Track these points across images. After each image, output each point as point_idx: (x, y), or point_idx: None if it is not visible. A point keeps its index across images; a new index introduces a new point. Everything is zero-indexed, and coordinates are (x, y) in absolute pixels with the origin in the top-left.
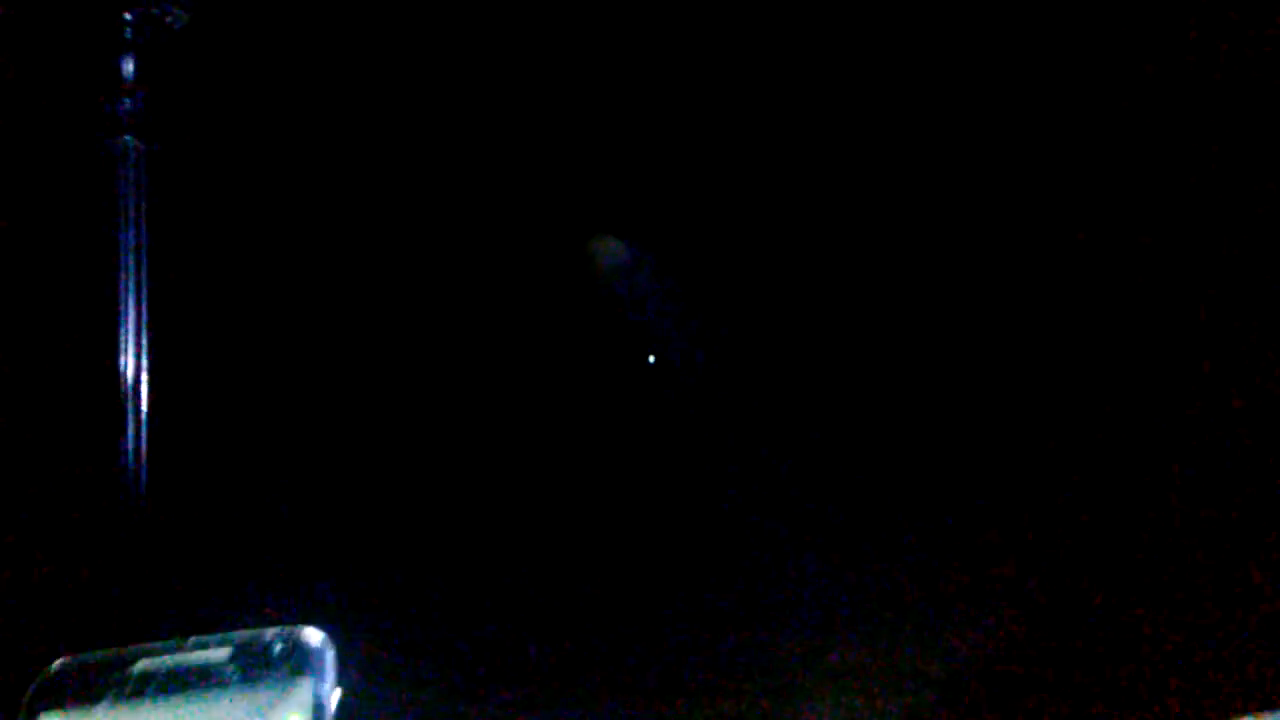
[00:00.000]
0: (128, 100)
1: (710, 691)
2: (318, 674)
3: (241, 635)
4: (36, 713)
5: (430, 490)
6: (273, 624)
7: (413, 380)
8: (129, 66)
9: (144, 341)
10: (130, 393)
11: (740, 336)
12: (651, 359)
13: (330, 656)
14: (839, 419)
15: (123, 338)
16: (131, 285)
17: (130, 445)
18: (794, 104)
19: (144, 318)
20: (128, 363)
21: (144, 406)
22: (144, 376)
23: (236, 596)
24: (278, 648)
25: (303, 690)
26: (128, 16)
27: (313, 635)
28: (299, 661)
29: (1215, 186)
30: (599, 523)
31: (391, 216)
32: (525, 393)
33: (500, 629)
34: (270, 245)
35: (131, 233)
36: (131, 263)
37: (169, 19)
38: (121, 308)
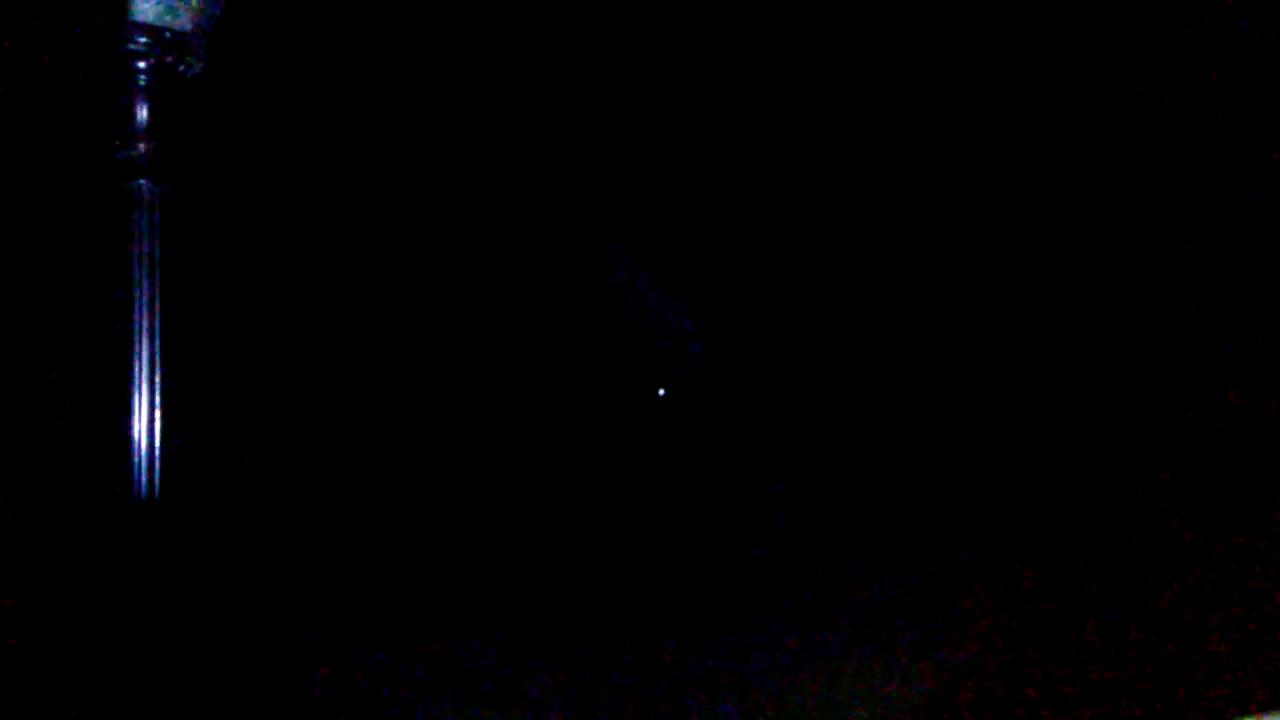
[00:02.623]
0: (142, 145)
1: (708, 695)
2: None
3: None
4: None
5: (432, 498)
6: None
7: (423, 404)
8: (143, 113)
9: (158, 385)
10: (144, 438)
11: (741, 343)
12: (661, 392)
13: None
14: (842, 421)
15: (136, 382)
16: (146, 329)
17: (143, 490)
18: (801, 111)
19: (159, 361)
20: (141, 408)
21: (158, 451)
22: (158, 417)
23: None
24: None
25: None
26: (141, 65)
27: None
28: None
29: (1215, 186)
30: (597, 526)
31: (407, 258)
32: (532, 408)
33: (499, 632)
34: (286, 286)
35: (146, 275)
36: (146, 305)
37: (181, 68)
38: (136, 351)
